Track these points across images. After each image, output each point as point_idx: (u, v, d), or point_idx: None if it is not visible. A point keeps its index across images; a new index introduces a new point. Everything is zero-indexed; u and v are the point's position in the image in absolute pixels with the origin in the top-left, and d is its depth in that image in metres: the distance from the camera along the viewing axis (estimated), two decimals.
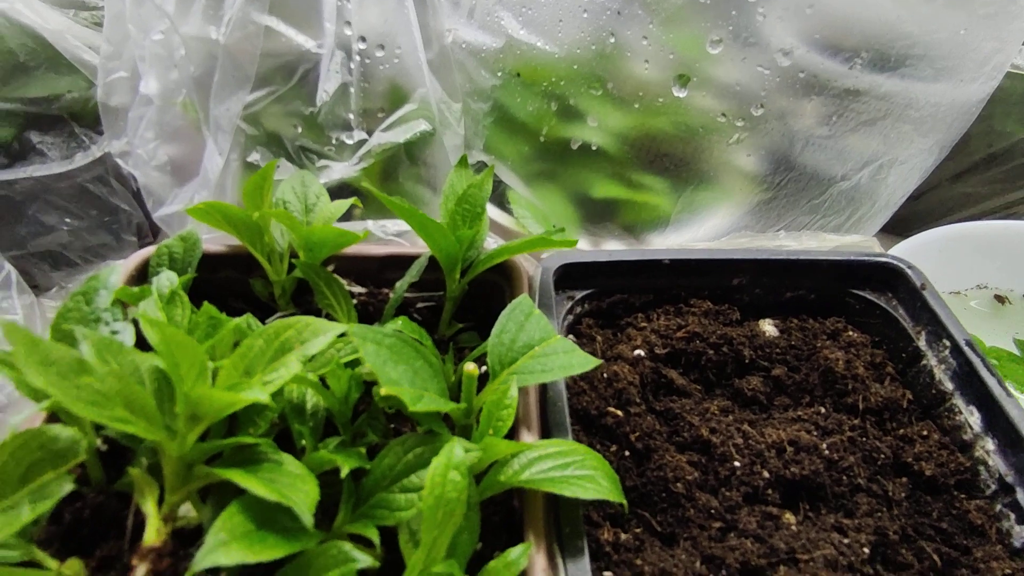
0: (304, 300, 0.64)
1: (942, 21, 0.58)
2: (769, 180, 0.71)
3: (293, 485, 0.38)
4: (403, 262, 0.64)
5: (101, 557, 0.44)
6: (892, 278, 0.67)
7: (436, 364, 0.48)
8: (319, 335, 0.43)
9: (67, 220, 0.95)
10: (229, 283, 0.65)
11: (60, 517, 0.47)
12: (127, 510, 0.48)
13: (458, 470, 0.38)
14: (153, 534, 0.42)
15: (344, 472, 0.40)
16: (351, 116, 0.65)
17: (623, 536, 0.54)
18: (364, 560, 0.37)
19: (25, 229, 0.95)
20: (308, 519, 0.36)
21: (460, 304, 0.64)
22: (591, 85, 0.67)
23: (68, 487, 0.36)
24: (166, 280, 0.54)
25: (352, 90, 0.64)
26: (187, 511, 0.46)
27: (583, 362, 0.49)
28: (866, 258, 0.67)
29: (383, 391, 0.42)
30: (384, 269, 0.65)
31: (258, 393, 0.37)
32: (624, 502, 0.45)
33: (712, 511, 0.54)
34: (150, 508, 0.43)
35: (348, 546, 0.37)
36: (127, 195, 1.01)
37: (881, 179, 0.74)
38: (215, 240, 0.65)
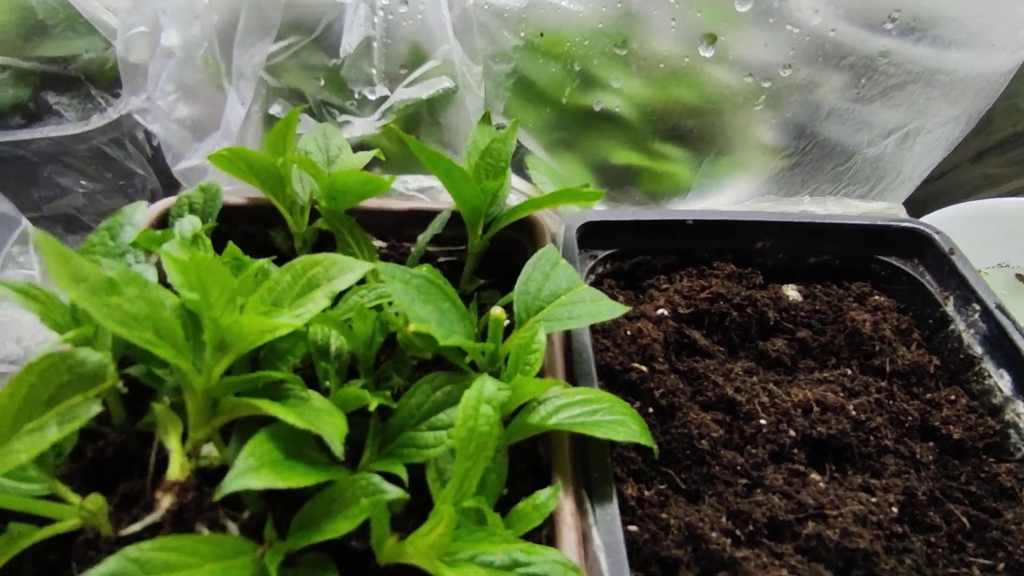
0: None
1: None
2: (794, 145, 0.69)
3: (321, 418, 0.38)
4: (424, 217, 0.63)
5: (123, 494, 0.44)
6: (919, 244, 0.66)
7: (462, 307, 0.47)
8: (346, 272, 0.43)
9: (82, 183, 0.95)
10: (248, 236, 0.64)
11: (82, 454, 0.47)
12: (148, 449, 0.47)
13: (490, 404, 0.37)
14: (177, 469, 0.42)
15: (372, 407, 0.39)
16: (374, 71, 0.64)
17: (647, 492, 0.53)
18: (393, 492, 0.36)
19: (40, 192, 0.95)
20: (339, 448, 0.36)
21: (481, 261, 0.63)
22: (616, 45, 0.65)
23: (96, 409, 0.35)
24: (188, 224, 0.54)
25: (375, 45, 0.63)
26: (209, 452, 0.46)
27: (611, 309, 0.49)
28: (893, 223, 0.66)
29: (411, 328, 0.41)
30: (405, 224, 0.64)
31: (290, 319, 0.36)
32: (655, 447, 0.45)
33: (738, 468, 0.53)
34: (174, 444, 0.43)
35: (377, 478, 0.37)
36: (142, 159, 1.01)
37: (907, 148, 0.72)
38: (235, 193, 0.65)
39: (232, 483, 0.33)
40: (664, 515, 0.50)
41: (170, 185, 1.13)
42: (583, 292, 0.50)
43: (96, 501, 0.42)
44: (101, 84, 0.95)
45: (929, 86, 0.66)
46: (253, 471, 0.34)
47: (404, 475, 0.39)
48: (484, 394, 0.37)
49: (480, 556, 0.37)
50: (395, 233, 0.64)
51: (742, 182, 0.79)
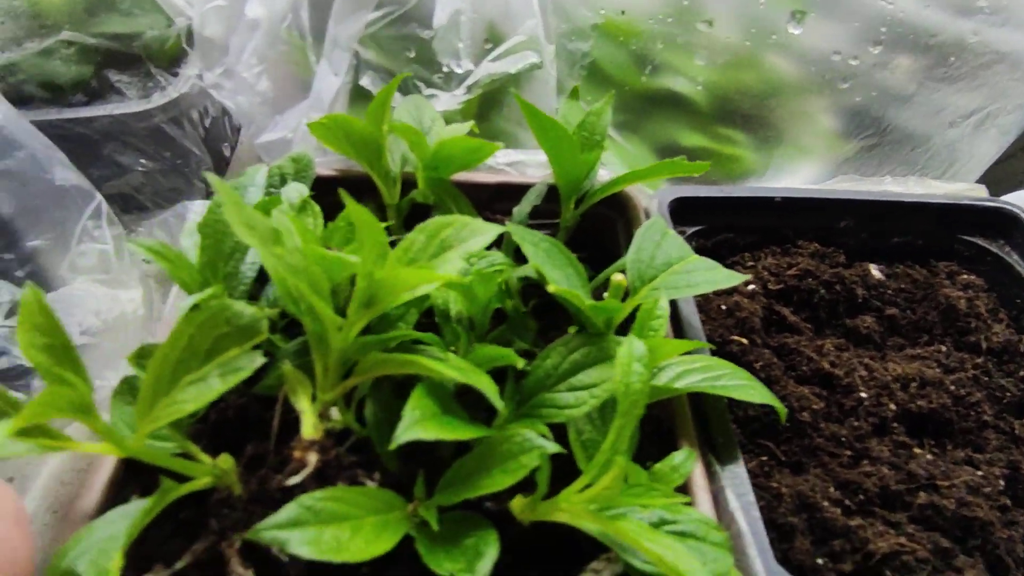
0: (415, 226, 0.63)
1: None
2: (875, 126, 0.69)
3: (469, 375, 0.38)
4: (514, 191, 0.63)
5: (250, 455, 0.44)
6: (1006, 224, 0.66)
7: (582, 272, 0.47)
8: (478, 234, 0.42)
9: (141, 161, 0.94)
10: (336, 208, 0.64)
11: (206, 416, 0.47)
12: (268, 414, 0.47)
13: (640, 362, 0.37)
14: (311, 429, 0.42)
15: (520, 365, 0.39)
16: (461, 45, 0.64)
17: (750, 464, 0.53)
18: (551, 447, 0.36)
19: (100, 170, 0.94)
20: (499, 403, 0.36)
21: (569, 237, 0.63)
22: (701, 21, 0.65)
23: (259, 361, 0.35)
24: (295, 191, 0.54)
25: (463, 18, 0.63)
26: (331, 415, 0.46)
27: (728, 278, 0.49)
28: (979, 203, 0.66)
29: (550, 288, 0.41)
30: (495, 199, 0.64)
31: (447, 271, 0.36)
32: (783, 409, 0.45)
33: (841, 440, 0.54)
34: (305, 404, 0.43)
35: (532, 434, 0.37)
36: (198, 139, 1.00)
37: (984, 130, 0.72)
38: (322, 164, 0.65)
39: (404, 434, 0.33)
40: (774, 484, 0.50)
41: (219, 166, 1.13)
42: (697, 261, 0.50)
43: (228, 460, 0.42)
44: (160, 63, 0.95)
45: (1015, 67, 0.66)
46: (419, 423, 0.34)
47: (549, 435, 0.39)
48: (634, 352, 0.37)
49: (630, 512, 0.37)
50: (485, 207, 0.63)
51: (810, 169, 0.79)
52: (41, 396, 0.31)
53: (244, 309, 0.36)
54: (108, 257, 0.75)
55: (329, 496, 0.33)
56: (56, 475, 0.73)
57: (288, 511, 0.32)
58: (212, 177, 0.32)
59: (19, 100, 0.89)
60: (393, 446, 0.33)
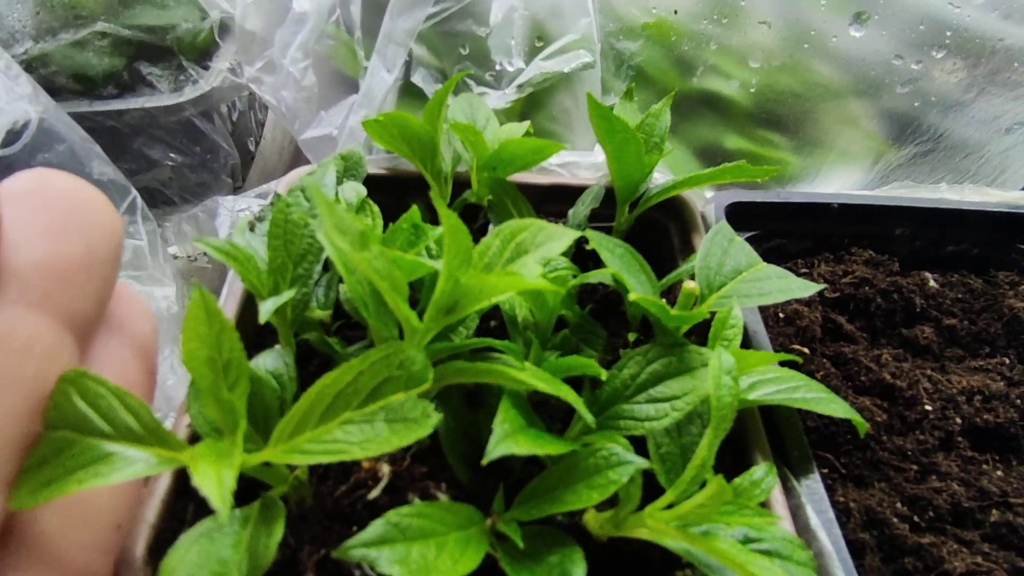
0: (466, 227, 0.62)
1: None
2: (931, 131, 0.68)
3: (553, 385, 0.36)
4: (567, 193, 0.62)
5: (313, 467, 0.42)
6: None
7: (654, 279, 0.46)
8: (554, 239, 0.41)
9: (171, 155, 0.93)
10: (384, 207, 0.63)
11: None
12: None
13: (729, 375, 0.36)
14: None
15: (603, 376, 0.38)
16: (514, 42, 0.63)
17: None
18: (640, 461, 0.35)
19: (129, 164, 0.93)
20: (587, 415, 0.34)
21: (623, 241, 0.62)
22: (760, 21, 0.64)
23: (434, 418, 0.31)
24: (352, 190, 0.52)
25: (516, 15, 0.62)
26: None
27: (803, 287, 0.47)
28: None
29: (632, 296, 0.40)
30: (546, 199, 0.62)
31: (532, 277, 0.35)
32: (864, 425, 0.43)
33: (907, 454, 0.52)
34: None
35: (619, 448, 0.35)
36: (226, 134, 0.99)
37: None
38: (370, 162, 0.63)
39: (496, 449, 0.32)
40: (840, 499, 0.49)
41: (245, 161, 1.12)
42: (767, 269, 0.49)
43: (304, 471, 0.40)
44: (192, 56, 0.93)
45: None
46: (511, 437, 0.33)
47: (629, 448, 0.38)
48: (724, 365, 0.36)
49: (714, 529, 0.36)
50: (538, 208, 0.62)
51: (859, 171, 0.77)
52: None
53: (417, 355, 0.32)
54: (143, 253, 0.74)
55: (415, 512, 0.32)
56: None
57: (376, 528, 0.30)
58: (307, 180, 0.31)
59: (51, 92, 0.87)
60: (486, 460, 0.32)
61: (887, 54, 0.64)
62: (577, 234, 0.42)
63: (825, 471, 0.53)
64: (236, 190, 1.05)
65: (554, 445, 0.34)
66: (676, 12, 0.69)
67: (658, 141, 0.58)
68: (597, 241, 0.42)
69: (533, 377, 0.35)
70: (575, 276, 0.47)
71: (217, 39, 0.95)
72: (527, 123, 0.58)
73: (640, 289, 0.42)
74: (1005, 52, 0.63)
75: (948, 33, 0.61)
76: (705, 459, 0.35)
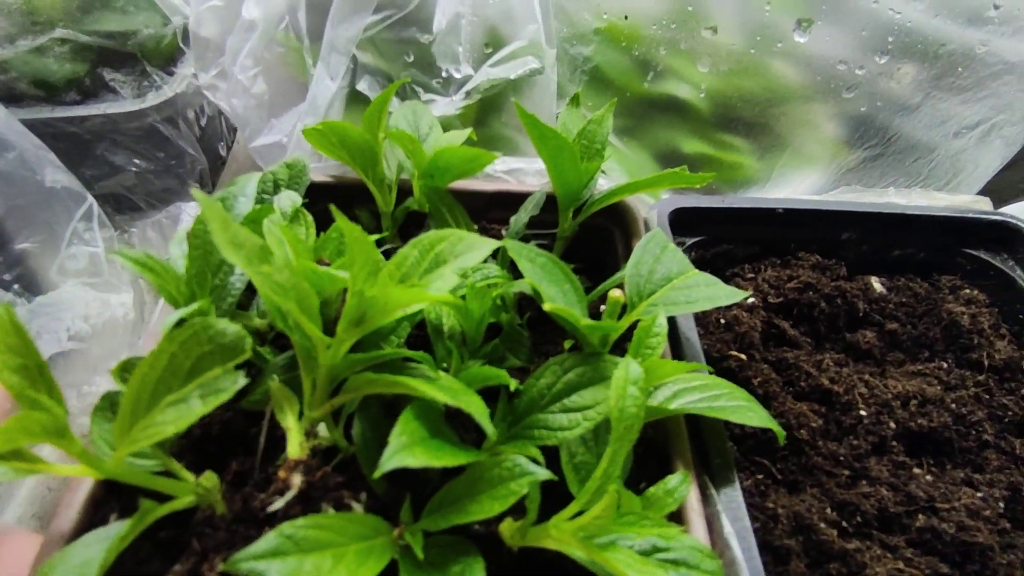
0: (410, 235, 0.62)
1: None
2: (880, 136, 0.68)
3: (459, 397, 0.37)
4: (512, 200, 0.62)
5: (235, 472, 0.43)
6: (1011, 237, 0.65)
7: (579, 288, 0.46)
8: (473, 249, 0.41)
9: (135, 161, 0.93)
10: (330, 215, 0.63)
11: (190, 432, 0.46)
12: (254, 428, 0.46)
13: (636, 385, 0.36)
14: (297, 448, 0.41)
15: (513, 387, 0.38)
16: (460, 49, 0.63)
17: (746, 482, 0.52)
18: (542, 473, 0.35)
19: (92, 170, 0.93)
20: (489, 427, 0.35)
21: (567, 247, 0.62)
22: (705, 27, 0.64)
23: (242, 382, 0.34)
24: (287, 199, 0.53)
25: (463, 22, 0.62)
26: (319, 431, 0.45)
27: (729, 295, 0.48)
28: (983, 216, 0.65)
29: (546, 307, 0.40)
30: (492, 206, 0.63)
31: (438, 291, 0.35)
32: (782, 433, 0.44)
33: (840, 459, 0.53)
34: (291, 423, 0.42)
35: (523, 459, 0.36)
36: (192, 139, 0.99)
37: (988, 141, 0.71)
38: (317, 170, 0.64)
39: (390, 461, 0.32)
40: (770, 504, 0.49)
41: (215, 166, 1.12)
42: (697, 277, 0.49)
43: (211, 479, 0.41)
44: (156, 61, 0.93)
45: (1023, 78, 0.65)
46: (407, 449, 0.33)
47: (540, 457, 0.38)
48: (631, 375, 0.36)
49: (621, 540, 0.36)
50: (482, 215, 0.62)
51: (812, 176, 0.78)
52: (14, 420, 0.30)
53: (227, 327, 0.35)
54: (99, 260, 0.74)
55: (311, 524, 0.32)
56: (43, 481, 0.72)
57: (267, 541, 0.31)
58: (198, 193, 0.31)
59: (11, 98, 0.88)
60: (378, 474, 0.32)
61: (831, 59, 0.64)
62: (495, 244, 0.42)
63: (760, 477, 0.53)
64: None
65: (454, 457, 0.34)
66: (626, 17, 0.69)
67: (599, 148, 0.58)
68: (515, 251, 0.42)
69: (437, 390, 0.35)
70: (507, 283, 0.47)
71: (182, 45, 0.95)
72: (468, 131, 0.58)
73: (560, 299, 0.42)
74: (948, 57, 0.63)
75: (890, 39, 0.61)
76: (608, 470, 0.35)
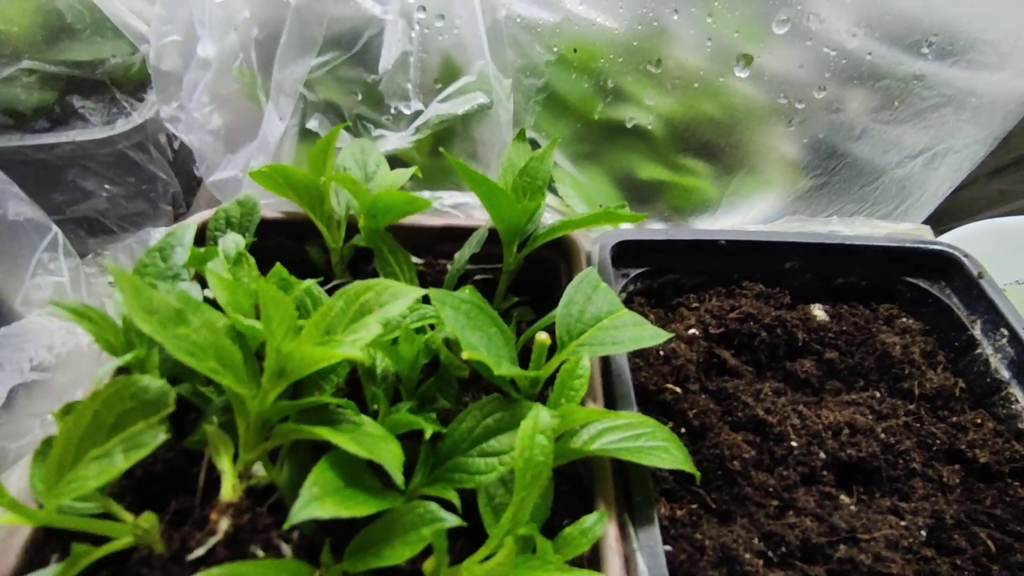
0: (360, 269, 0.64)
1: (1014, 7, 0.58)
2: (824, 165, 0.70)
3: (378, 444, 0.38)
4: (460, 234, 0.64)
5: (174, 511, 0.44)
6: (948, 266, 0.67)
7: (507, 332, 0.48)
8: (398, 298, 0.43)
9: (106, 187, 0.95)
10: (282, 250, 0.65)
11: (132, 472, 0.47)
12: (196, 467, 0.48)
13: (544, 434, 0.38)
14: (229, 490, 0.42)
15: (428, 434, 0.40)
16: (409, 86, 0.65)
17: (679, 512, 0.54)
18: (451, 520, 0.37)
19: (63, 195, 0.95)
20: (399, 476, 0.36)
21: (515, 279, 0.64)
22: (650, 62, 0.66)
23: (162, 437, 0.35)
24: (231, 242, 0.54)
25: (411, 59, 0.64)
26: (256, 470, 0.47)
27: (654, 335, 0.49)
28: (921, 246, 0.67)
29: (464, 355, 0.42)
30: (440, 240, 0.64)
31: (350, 349, 0.37)
32: (697, 474, 0.45)
33: (769, 489, 0.54)
34: (226, 465, 0.43)
35: (434, 505, 0.37)
36: (164, 164, 1.01)
37: (933, 168, 0.73)
38: (269, 206, 0.65)
39: (300, 513, 0.34)
40: (698, 536, 0.51)
41: (190, 188, 1.14)
42: (625, 317, 0.51)
43: (149, 519, 0.43)
44: (126, 88, 0.95)
45: (961, 108, 0.66)
46: (318, 500, 0.35)
47: (457, 501, 0.40)
48: (539, 424, 0.38)
49: None
50: (430, 249, 0.64)
51: (768, 200, 0.79)
52: None
53: (151, 384, 0.36)
54: (64, 288, 0.75)
55: (228, 573, 0.34)
56: None
57: None
58: (108, 263, 0.32)
59: None
60: (287, 526, 0.34)
61: (772, 94, 0.66)
62: (420, 292, 0.44)
63: (694, 507, 0.55)
64: (178, 218, 1.07)
65: (367, 506, 0.36)
66: (575, 50, 0.70)
67: (541, 184, 0.60)
68: (438, 300, 0.44)
69: (349, 440, 0.37)
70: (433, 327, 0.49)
71: (151, 72, 0.97)
72: (413, 168, 0.60)
73: (483, 345, 0.44)
74: (885, 91, 0.64)
75: (827, 74, 0.63)
76: (516, 517, 0.37)
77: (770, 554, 0.51)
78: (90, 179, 0.94)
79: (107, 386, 0.36)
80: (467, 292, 0.51)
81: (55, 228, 0.76)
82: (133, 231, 1.00)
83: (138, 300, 0.33)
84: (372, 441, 0.39)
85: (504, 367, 0.42)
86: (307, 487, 0.35)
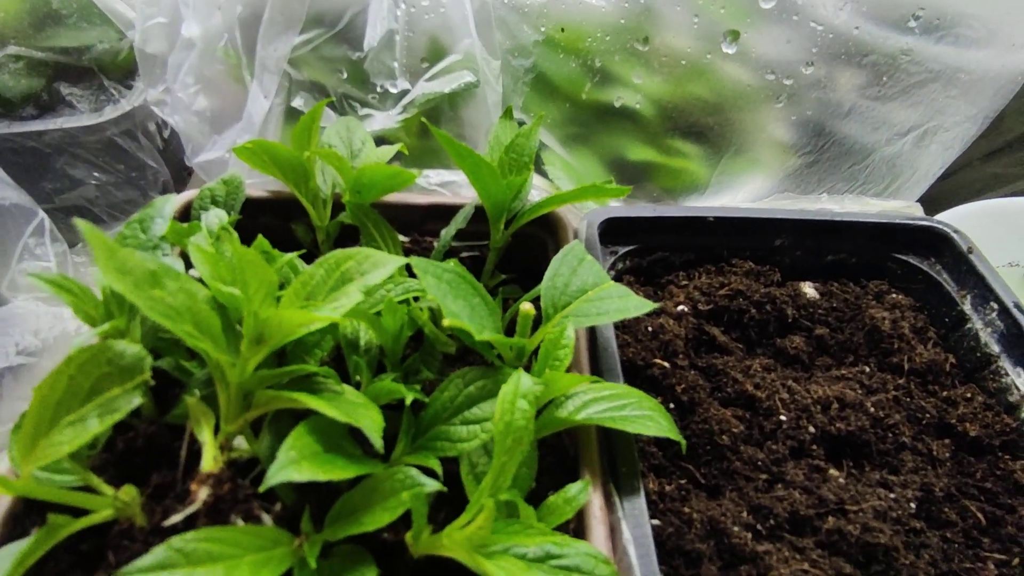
0: (346, 247, 0.63)
1: None
2: (812, 143, 0.70)
3: (358, 411, 0.38)
4: (446, 212, 0.63)
5: (155, 485, 0.44)
6: (937, 242, 0.66)
7: (491, 303, 0.48)
8: (379, 267, 0.43)
9: (95, 174, 0.94)
10: (268, 229, 0.64)
11: (113, 446, 0.47)
12: (178, 441, 0.48)
13: (525, 399, 0.37)
14: (210, 461, 0.42)
15: (408, 400, 0.40)
16: (395, 65, 0.64)
17: (668, 487, 0.54)
18: (431, 485, 0.36)
19: (52, 184, 0.95)
20: (378, 442, 0.36)
21: (502, 256, 0.64)
22: (637, 41, 0.66)
23: (137, 401, 0.35)
24: (215, 217, 0.54)
25: (397, 38, 0.63)
26: (239, 444, 0.46)
27: (639, 305, 0.49)
28: (911, 222, 0.67)
29: (446, 322, 0.42)
30: (427, 219, 0.64)
31: (330, 313, 0.36)
32: (683, 441, 0.45)
33: (758, 463, 0.54)
34: (206, 436, 0.43)
35: (415, 471, 0.37)
36: (153, 151, 1.00)
37: (924, 147, 0.73)
38: (255, 186, 0.65)
39: (276, 476, 0.34)
40: (686, 509, 0.51)
41: (180, 177, 1.13)
42: (610, 288, 0.50)
43: (130, 492, 0.42)
44: (114, 75, 0.95)
45: (949, 84, 0.66)
46: (294, 464, 0.34)
47: (439, 469, 0.39)
48: (520, 389, 0.38)
49: (514, 548, 0.38)
50: (417, 227, 0.64)
51: (758, 180, 0.79)
52: None
53: (127, 349, 0.36)
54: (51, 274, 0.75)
55: (204, 536, 0.34)
56: None
57: (155, 554, 0.32)
58: (80, 222, 0.32)
59: None
60: (262, 489, 0.33)
61: (760, 70, 0.65)
62: (401, 260, 0.44)
63: (683, 481, 0.55)
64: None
65: (344, 470, 0.36)
66: (563, 30, 0.70)
67: (527, 161, 0.60)
68: (420, 268, 0.44)
69: (330, 405, 0.36)
70: (417, 299, 0.49)
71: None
72: (399, 145, 0.60)
73: (464, 313, 0.44)
74: (872, 67, 0.64)
75: (814, 50, 0.63)
76: (497, 482, 0.37)
77: (758, 527, 0.51)
78: (79, 167, 0.94)
79: (81, 351, 0.35)
80: (451, 264, 0.51)
81: (41, 213, 0.76)
82: (123, 219, 1.00)
83: (111, 260, 0.32)
84: (352, 408, 0.38)
85: (485, 333, 0.42)
86: (284, 450, 0.35)
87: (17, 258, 0.73)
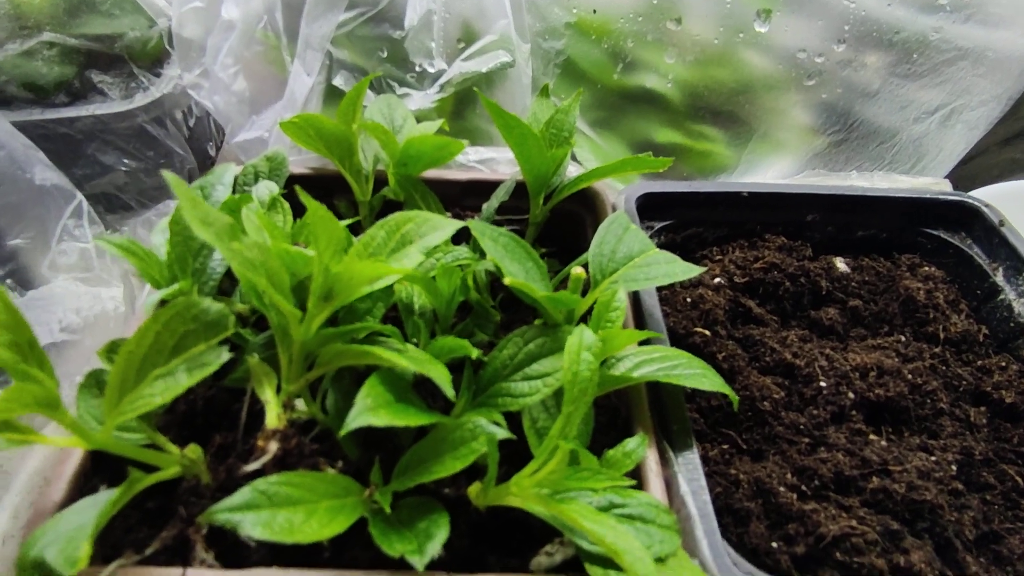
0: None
1: None
2: (841, 123, 0.71)
3: (425, 364, 0.39)
4: (485, 188, 0.64)
5: (218, 445, 0.45)
6: (968, 217, 0.67)
7: (542, 266, 0.49)
8: (438, 229, 0.44)
9: (124, 161, 0.95)
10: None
11: (174, 407, 0.48)
12: (237, 405, 0.49)
13: (590, 351, 0.38)
14: (275, 418, 0.43)
15: (474, 356, 0.41)
16: (433, 44, 0.65)
17: (711, 452, 0.55)
18: (502, 432, 0.37)
19: (83, 170, 0.95)
20: (450, 391, 0.37)
21: (540, 232, 0.65)
22: (670, 20, 0.67)
23: (225, 356, 0.36)
24: (265, 189, 0.55)
25: (435, 18, 0.65)
26: (297, 405, 0.47)
27: (686, 269, 0.50)
28: (941, 196, 0.68)
29: (507, 280, 0.43)
30: (466, 194, 0.65)
31: (404, 265, 0.37)
32: (735, 397, 0.46)
33: (800, 428, 0.55)
34: (269, 395, 0.44)
35: (483, 420, 0.38)
36: (181, 139, 1.01)
37: (950, 126, 0.74)
38: (297, 163, 0.66)
39: (355, 420, 0.35)
40: (732, 471, 0.52)
41: (204, 164, 1.14)
42: (656, 254, 0.51)
43: (196, 451, 0.43)
44: (143, 63, 0.96)
45: (977, 63, 0.67)
46: (371, 411, 0.35)
47: (503, 422, 0.40)
48: (584, 342, 0.39)
49: (582, 495, 0.38)
50: (456, 203, 0.65)
51: (786, 161, 0.80)
52: (7, 392, 0.32)
53: (211, 305, 0.37)
54: (89, 255, 0.76)
55: (284, 481, 0.35)
56: (39, 471, 0.74)
57: (242, 495, 0.33)
58: (168, 175, 0.33)
59: (1, 101, 0.90)
60: (343, 432, 0.34)
61: (791, 48, 0.66)
62: (459, 224, 0.44)
63: (726, 447, 0.55)
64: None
65: (418, 418, 0.37)
66: (595, 11, 0.71)
67: (567, 135, 0.61)
68: (480, 231, 0.45)
69: (401, 357, 0.37)
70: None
71: (167, 47, 0.97)
72: (440, 121, 0.61)
73: (521, 275, 0.45)
74: (903, 44, 0.65)
75: (846, 28, 0.64)
76: (564, 430, 0.38)
77: (803, 487, 0.51)
78: (110, 153, 0.94)
79: (167, 308, 0.36)
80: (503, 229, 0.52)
81: (79, 195, 0.77)
82: (151, 206, 1.01)
83: (195, 211, 0.33)
84: (420, 362, 0.39)
85: (545, 291, 0.43)
86: (361, 398, 0.36)
87: (57, 239, 0.74)
